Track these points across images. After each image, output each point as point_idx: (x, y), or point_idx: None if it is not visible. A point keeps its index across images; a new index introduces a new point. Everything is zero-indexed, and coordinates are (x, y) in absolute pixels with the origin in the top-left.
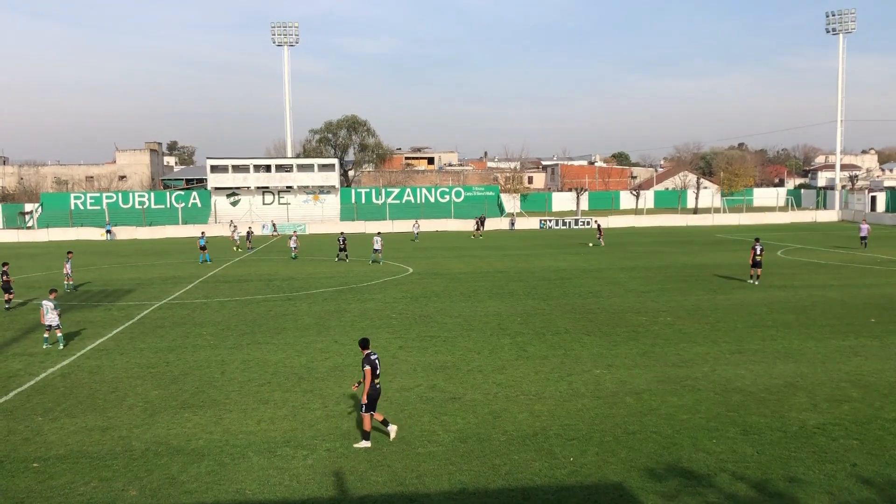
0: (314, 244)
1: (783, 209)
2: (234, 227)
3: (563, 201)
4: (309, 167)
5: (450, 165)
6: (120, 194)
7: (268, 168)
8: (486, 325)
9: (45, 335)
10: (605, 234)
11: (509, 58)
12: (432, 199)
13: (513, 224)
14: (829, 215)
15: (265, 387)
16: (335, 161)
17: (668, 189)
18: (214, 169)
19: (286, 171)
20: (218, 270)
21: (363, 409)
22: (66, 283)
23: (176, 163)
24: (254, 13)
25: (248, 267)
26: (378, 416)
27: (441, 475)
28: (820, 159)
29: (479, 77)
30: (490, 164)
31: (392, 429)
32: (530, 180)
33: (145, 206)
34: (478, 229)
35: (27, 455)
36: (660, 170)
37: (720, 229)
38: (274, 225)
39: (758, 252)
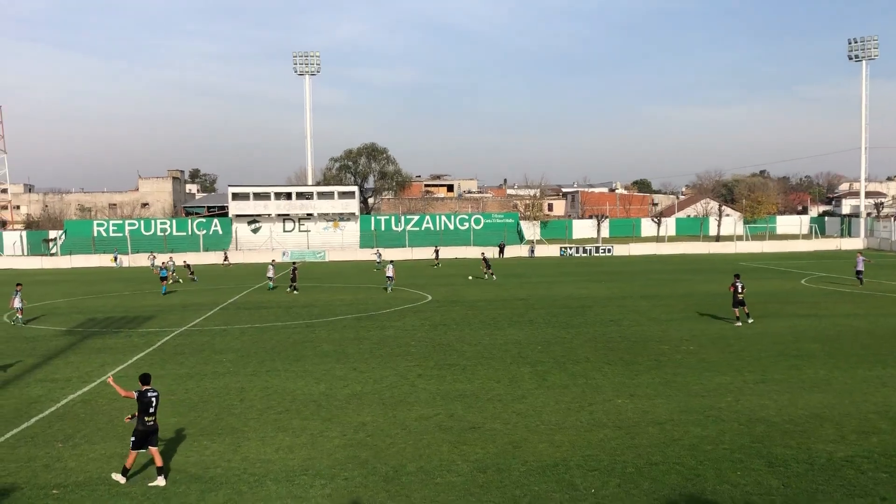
0: (334, 272)
1: (807, 237)
2: (170, 258)
3: (583, 228)
4: (329, 195)
5: (469, 192)
6: (142, 221)
7: (288, 196)
8: (505, 354)
9: None
10: (616, 262)
11: (528, 86)
12: (451, 227)
13: (532, 251)
14: (853, 243)
15: (284, 414)
16: (355, 189)
17: (689, 216)
18: (236, 196)
19: (306, 199)
20: (238, 297)
21: (131, 445)
22: (17, 316)
23: (198, 190)
24: (275, 44)
25: (268, 294)
26: (131, 462)
27: None
28: (844, 186)
29: (498, 105)
30: (510, 191)
31: (159, 480)
32: (550, 207)
33: (167, 234)
34: (436, 258)
35: (47, 482)
36: (681, 197)
37: (743, 257)
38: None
39: (739, 289)
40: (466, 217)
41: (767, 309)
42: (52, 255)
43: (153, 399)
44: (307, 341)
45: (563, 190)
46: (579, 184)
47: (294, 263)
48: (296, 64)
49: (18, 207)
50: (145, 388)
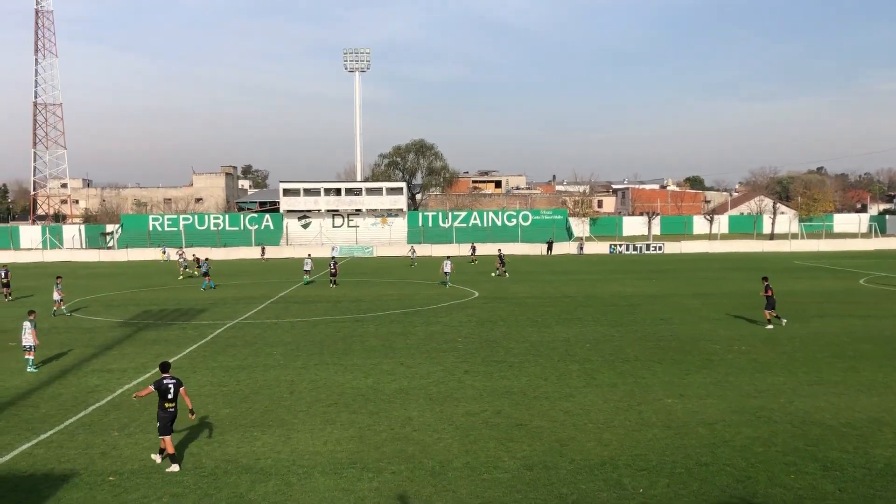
0: (382, 267)
1: (866, 236)
2: (181, 252)
3: (633, 226)
4: (377, 191)
5: (517, 189)
6: (196, 216)
7: (338, 191)
8: (553, 351)
9: (27, 357)
10: (667, 260)
11: (578, 81)
12: (499, 223)
13: (581, 248)
14: None
15: (332, 408)
16: (403, 185)
17: (743, 214)
18: (287, 192)
19: (355, 195)
20: (288, 291)
21: (159, 432)
22: (55, 308)
23: (250, 186)
24: (326, 41)
25: (317, 289)
26: (168, 445)
27: (506, 502)
28: None
29: (547, 101)
30: (559, 187)
31: (156, 457)
32: (600, 204)
33: (220, 228)
34: (473, 256)
35: (104, 468)
36: (735, 194)
37: (798, 256)
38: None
39: (771, 291)
40: (514, 213)
41: (823, 309)
42: (108, 248)
43: (170, 386)
44: (355, 336)
45: (613, 186)
46: (630, 180)
47: (334, 258)
48: (346, 61)
49: (77, 202)
50: (163, 375)
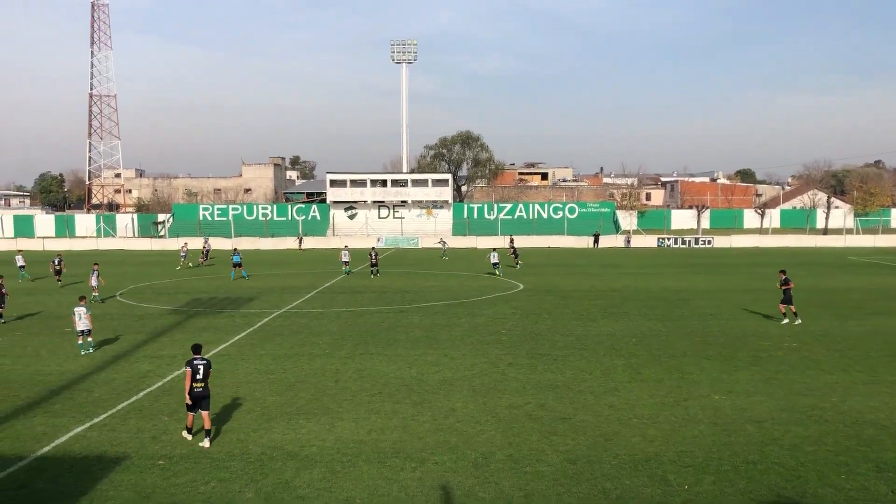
0: (427, 258)
1: None
2: (185, 244)
3: (682, 219)
4: (423, 182)
5: (564, 181)
6: (245, 206)
7: (384, 183)
8: (598, 345)
9: (80, 341)
10: (716, 254)
11: (626, 73)
12: (545, 215)
13: (629, 242)
14: None
15: (376, 397)
16: (449, 176)
17: (795, 208)
18: (333, 183)
19: (401, 186)
20: (334, 282)
21: (187, 407)
22: (94, 294)
23: (298, 177)
24: (374, 33)
25: (362, 279)
26: (190, 422)
27: (549, 496)
28: None
29: (594, 92)
30: (606, 179)
31: (188, 437)
32: (648, 197)
33: (268, 219)
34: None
35: (154, 452)
36: (787, 188)
37: (852, 251)
38: (300, 240)
39: (789, 284)
40: (560, 206)
41: (880, 306)
42: (160, 237)
43: (200, 367)
44: (399, 326)
45: (662, 179)
46: (679, 173)
47: (374, 248)
48: (393, 52)
49: (130, 191)
50: (194, 356)
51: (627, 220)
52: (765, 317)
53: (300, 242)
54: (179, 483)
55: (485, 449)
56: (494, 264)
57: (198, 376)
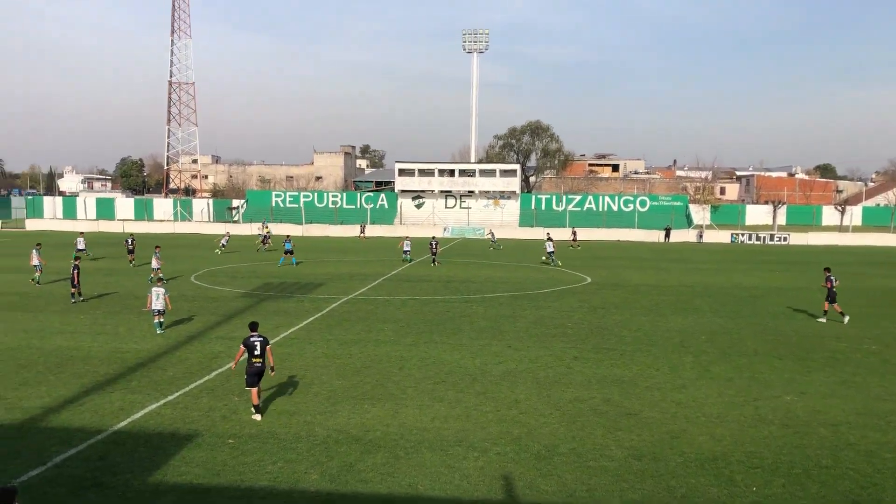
0: (491, 249)
1: None
2: (227, 232)
3: (757, 214)
4: (491, 172)
5: (635, 173)
6: (315, 194)
7: (451, 173)
8: (667, 341)
9: (155, 320)
10: (792, 251)
11: (701, 63)
12: (615, 208)
13: (701, 237)
14: None
15: (440, 385)
16: (517, 167)
17: (879, 205)
18: (402, 172)
19: (469, 176)
20: (400, 270)
21: (245, 383)
22: (153, 275)
23: (367, 165)
24: (445, 23)
25: (427, 268)
26: (253, 396)
27: (612, 491)
28: None
29: (669, 83)
30: (679, 172)
31: (258, 417)
32: (722, 191)
33: (337, 206)
34: (575, 240)
35: (224, 431)
36: (870, 184)
37: None
38: (363, 228)
39: (833, 283)
40: (631, 199)
41: None
42: (234, 222)
43: (256, 343)
44: (464, 316)
45: (738, 173)
46: (755, 167)
47: (434, 237)
48: (464, 42)
49: (206, 177)
50: (251, 334)
51: (700, 214)
52: (843, 315)
53: (362, 230)
54: (248, 462)
55: (548, 441)
56: (550, 253)
57: (255, 352)
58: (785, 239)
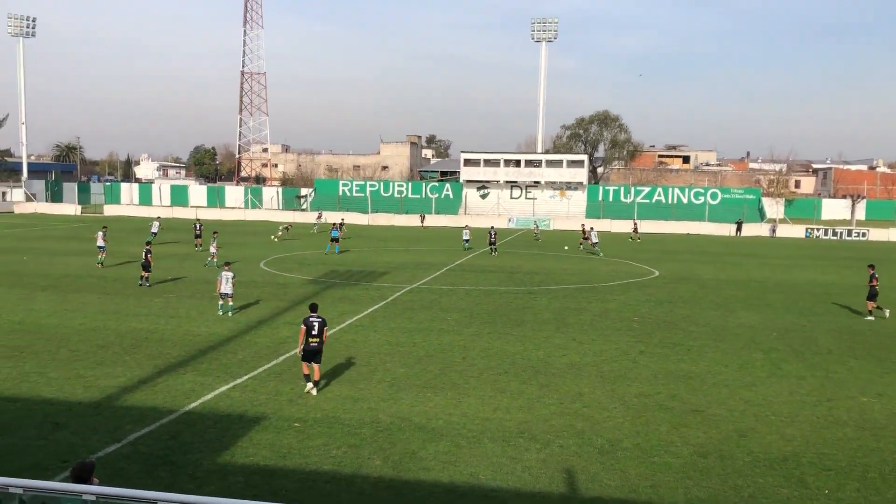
0: (558, 240)
1: None
2: (289, 224)
3: (834, 209)
4: (558, 163)
5: (706, 165)
6: (382, 183)
7: (517, 163)
8: (736, 338)
9: (220, 303)
10: (871, 248)
11: (776, 52)
12: (685, 200)
13: (774, 231)
14: None
15: (503, 376)
16: (584, 157)
17: None
18: (467, 162)
19: (535, 167)
20: (464, 260)
21: (301, 357)
22: (209, 259)
23: (433, 155)
24: (512, 12)
25: (491, 259)
26: (306, 370)
27: (677, 488)
28: None
29: (742, 73)
30: (752, 165)
31: (309, 386)
32: (797, 184)
33: (403, 195)
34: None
35: (291, 415)
36: None
37: None
38: (423, 217)
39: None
40: (702, 191)
41: None
42: (302, 210)
43: (314, 324)
44: (528, 307)
45: (814, 166)
46: (833, 160)
47: (493, 226)
48: (533, 30)
49: (276, 165)
50: (310, 315)
51: (773, 208)
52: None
53: (422, 220)
54: (313, 446)
55: (611, 436)
56: (593, 243)
57: (313, 332)
58: (864, 235)
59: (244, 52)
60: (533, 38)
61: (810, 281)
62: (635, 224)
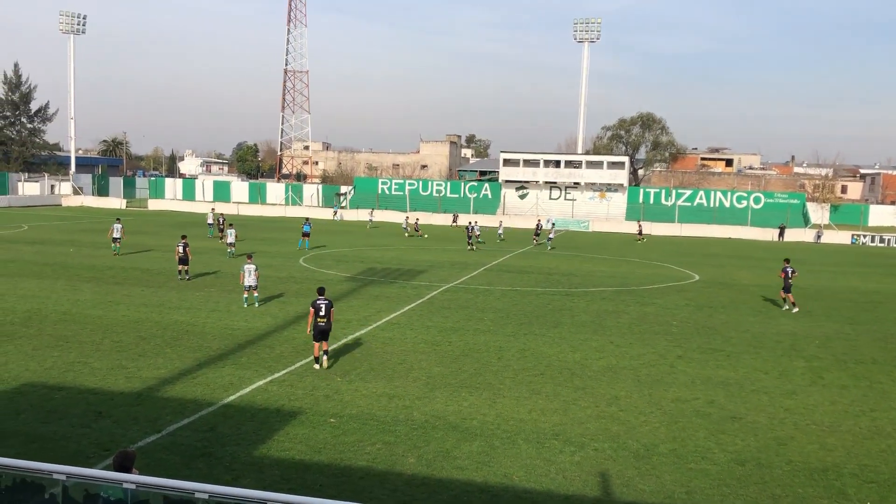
0: (597, 242)
1: None
2: (408, 216)
3: (882, 215)
4: (598, 164)
5: (750, 168)
6: (421, 182)
7: (557, 164)
8: (777, 345)
9: (245, 295)
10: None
11: (823, 54)
12: (727, 204)
13: (819, 237)
14: None
15: (538, 378)
16: (625, 159)
17: None
18: (506, 162)
19: (575, 168)
20: (501, 260)
21: (312, 338)
22: (229, 249)
23: (472, 155)
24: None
25: (529, 259)
26: (317, 351)
27: (713, 495)
28: None
29: (788, 75)
30: (797, 169)
31: (317, 367)
32: (844, 189)
33: (441, 195)
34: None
35: (326, 410)
36: None
37: None
38: (455, 216)
39: (789, 275)
40: (745, 195)
41: None
42: (342, 207)
43: (322, 305)
44: (565, 309)
45: (861, 171)
46: (882, 165)
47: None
48: (576, 31)
49: (317, 163)
50: (318, 297)
51: (818, 213)
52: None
53: (455, 219)
54: (347, 442)
55: (647, 441)
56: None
57: (321, 313)
58: None
59: (287, 50)
60: (575, 39)
61: (855, 288)
62: (640, 225)
